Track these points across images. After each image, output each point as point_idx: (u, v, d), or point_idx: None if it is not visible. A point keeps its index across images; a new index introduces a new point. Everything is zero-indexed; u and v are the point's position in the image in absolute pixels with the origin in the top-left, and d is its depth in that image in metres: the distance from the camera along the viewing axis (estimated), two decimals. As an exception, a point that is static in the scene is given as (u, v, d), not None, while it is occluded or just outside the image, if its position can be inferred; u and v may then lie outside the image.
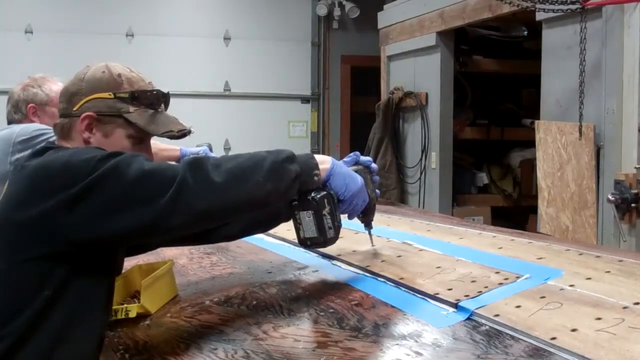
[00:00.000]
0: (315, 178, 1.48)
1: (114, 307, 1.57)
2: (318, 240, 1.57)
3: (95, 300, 1.42)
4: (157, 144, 2.76)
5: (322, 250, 1.92)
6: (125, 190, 1.30)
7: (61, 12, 6.71)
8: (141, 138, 1.52)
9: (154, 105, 1.54)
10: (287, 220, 1.70)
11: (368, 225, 1.77)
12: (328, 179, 1.52)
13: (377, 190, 1.75)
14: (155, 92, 1.54)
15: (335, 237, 1.58)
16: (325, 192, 1.52)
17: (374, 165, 1.73)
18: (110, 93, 1.49)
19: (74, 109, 1.49)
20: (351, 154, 1.74)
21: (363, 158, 1.71)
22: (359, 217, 1.71)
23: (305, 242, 1.59)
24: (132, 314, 1.60)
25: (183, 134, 1.55)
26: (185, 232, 1.42)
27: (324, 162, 1.52)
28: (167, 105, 1.58)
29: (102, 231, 1.32)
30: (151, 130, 1.51)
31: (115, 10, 6.84)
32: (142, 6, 6.97)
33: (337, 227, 1.56)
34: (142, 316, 1.61)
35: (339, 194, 1.54)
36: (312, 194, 1.51)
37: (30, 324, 1.32)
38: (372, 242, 1.84)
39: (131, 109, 1.50)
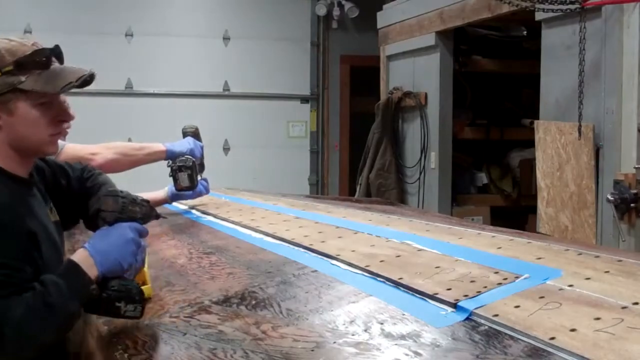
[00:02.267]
0: (94, 292, 1.43)
1: None
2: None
3: None
4: (144, 148, 2.72)
5: (321, 250, 1.92)
6: None
7: (61, 12, 6.70)
8: (47, 102, 1.48)
9: (44, 64, 1.48)
10: None
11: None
12: (102, 276, 1.45)
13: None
14: (39, 51, 1.48)
15: (143, 308, 1.52)
16: (108, 304, 1.46)
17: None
18: None
19: None
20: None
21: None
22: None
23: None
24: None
25: (85, 81, 1.49)
26: None
27: (90, 265, 1.43)
28: (60, 57, 1.52)
29: None
30: (49, 89, 1.46)
31: (115, 10, 6.83)
32: (142, 6, 6.97)
33: (140, 301, 1.51)
34: (142, 319, 1.61)
35: (119, 274, 1.48)
36: (102, 309, 1.48)
37: None
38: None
39: (22, 78, 1.45)
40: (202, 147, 2.79)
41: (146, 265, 1.70)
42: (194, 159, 2.69)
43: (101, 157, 2.53)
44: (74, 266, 1.42)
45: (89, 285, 1.42)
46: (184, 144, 2.75)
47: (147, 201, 1.60)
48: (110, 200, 1.54)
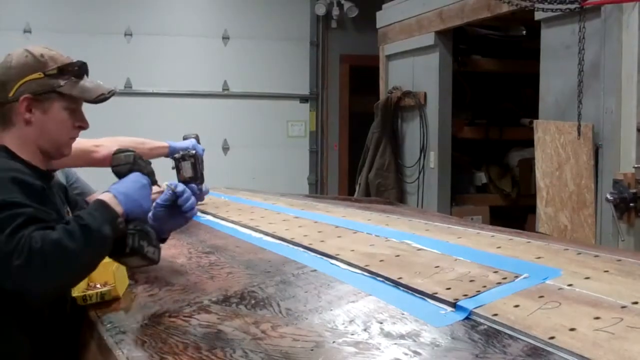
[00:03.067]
0: (121, 226, 1.56)
1: (86, 293, 1.72)
2: (149, 264, 1.68)
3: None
4: (147, 143, 2.73)
5: (320, 249, 1.92)
6: None
7: (60, 12, 6.69)
8: (74, 108, 1.69)
9: (79, 75, 1.69)
10: None
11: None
12: (127, 215, 1.59)
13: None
14: (77, 63, 1.71)
15: (159, 253, 1.68)
16: (133, 240, 1.59)
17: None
18: (40, 73, 1.65)
19: (9, 95, 1.63)
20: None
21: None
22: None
23: (133, 267, 1.73)
24: (108, 297, 1.73)
25: (112, 94, 1.74)
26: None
27: (115, 203, 1.57)
28: (87, 72, 1.73)
29: None
30: (85, 96, 1.69)
31: (114, 10, 6.82)
32: (141, 6, 6.96)
33: (157, 245, 1.67)
34: (141, 319, 1.61)
35: (141, 217, 1.64)
36: (128, 245, 1.59)
37: None
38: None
39: (61, 82, 1.66)
40: (203, 151, 2.81)
41: (115, 265, 1.77)
42: (197, 151, 2.72)
43: (105, 149, 2.54)
44: (102, 202, 1.56)
45: (117, 217, 1.55)
46: (186, 143, 2.81)
47: (149, 162, 1.75)
48: (121, 156, 1.69)
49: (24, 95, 1.63)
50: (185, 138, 2.89)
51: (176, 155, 2.70)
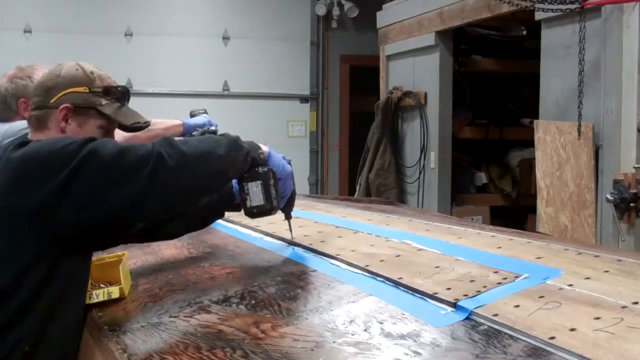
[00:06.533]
0: (262, 156, 1.77)
1: (92, 292, 1.73)
2: (265, 207, 1.77)
3: (81, 276, 1.60)
4: (160, 123, 2.68)
5: (321, 249, 1.92)
6: (107, 170, 1.45)
7: (60, 12, 6.70)
8: (108, 129, 1.72)
9: (121, 99, 1.74)
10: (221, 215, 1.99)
11: (288, 216, 1.97)
12: (268, 159, 1.79)
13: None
14: (121, 88, 1.76)
15: (279, 207, 1.81)
16: (269, 167, 1.78)
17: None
18: (86, 88, 1.68)
19: (51, 101, 1.66)
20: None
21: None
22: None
23: (251, 212, 1.79)
24: (115, 295, 1.74)
25: (147, 124, 1.81)
26: (168, 206, 1.59)
27: (263, 146, 1.80)
28: (128, 100, 1.78)
29: (93, 213, 1.46)
30: (121, 120, 1.72)
31: (114, 10, 6.83)
32: (141, 6, 6.97)
33: (280, 199, 1.79)
34: (142, 319, 1.61)
35: (277, 172, 1.79)
36: (259, 168, 1.76)
37: (24, 302, 1.45)
38: (291, 234, 2.02)
39: (103, 102, 1.69)
40: (216, 126, 2.77)
41: (121, 265, 1.81)
42: (214, 128, 2.70)
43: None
44: (251, 141, 1.77)
45: (259, 148, 1.77)
46: (200, 118, 2.77)
47: None
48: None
49: (65, 104, 1.65)
50: (192, 114, 2.84)
51: (194, 133, 2.67)
